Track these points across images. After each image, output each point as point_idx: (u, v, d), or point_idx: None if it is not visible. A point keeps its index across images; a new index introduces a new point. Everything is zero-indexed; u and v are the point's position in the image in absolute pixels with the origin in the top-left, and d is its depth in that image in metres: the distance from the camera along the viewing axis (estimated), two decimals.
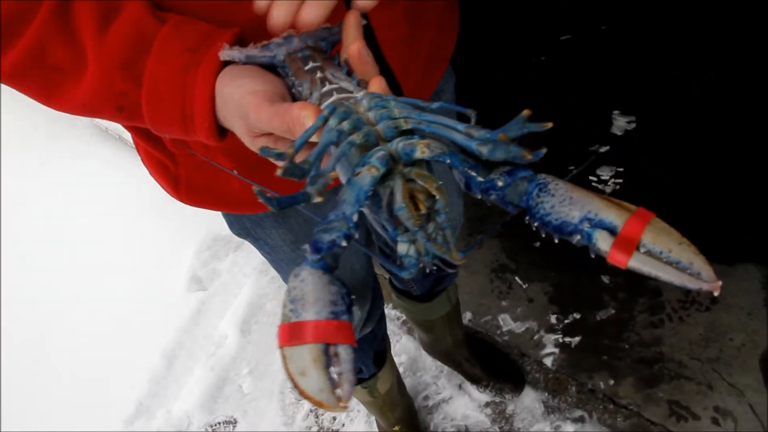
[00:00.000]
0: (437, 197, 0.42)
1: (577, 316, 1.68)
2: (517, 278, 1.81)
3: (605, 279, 1.72)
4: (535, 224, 0.42)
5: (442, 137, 0.45)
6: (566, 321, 1.68)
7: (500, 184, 0.43)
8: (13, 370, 2.05)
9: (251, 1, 0.59)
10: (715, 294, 0.36)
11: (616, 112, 2.09)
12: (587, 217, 0.40)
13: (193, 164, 0.76)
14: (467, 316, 1.77)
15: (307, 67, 0.53)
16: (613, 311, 1.66)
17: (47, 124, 2.83)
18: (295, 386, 0.35)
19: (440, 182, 0.43)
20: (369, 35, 0.68)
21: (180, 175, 0.79)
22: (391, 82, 0.75)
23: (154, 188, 2.54)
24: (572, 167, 2.00)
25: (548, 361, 1.63)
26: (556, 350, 1.64)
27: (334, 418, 1.73)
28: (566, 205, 0.41)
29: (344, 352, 0.37)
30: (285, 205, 0.42)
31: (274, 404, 1.81)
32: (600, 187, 1.91)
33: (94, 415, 1.91)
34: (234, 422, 1.82)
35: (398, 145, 0.44)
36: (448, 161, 0.44)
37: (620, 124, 2.06)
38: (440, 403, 1.66)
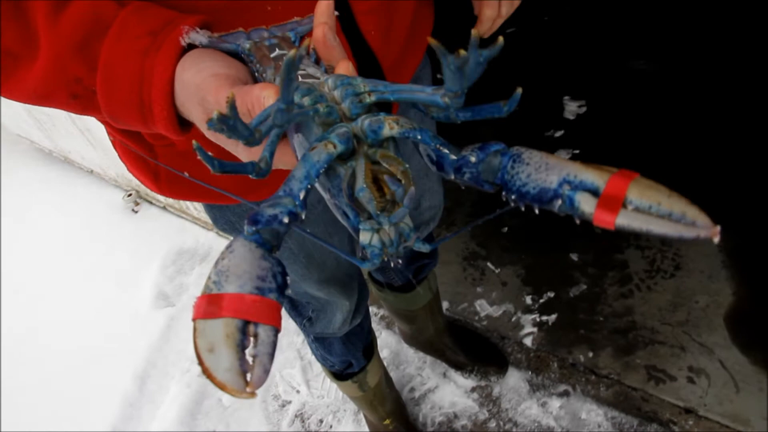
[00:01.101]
0: (402, 181, 0.39)
1: (551, 294, 1.72)
2: (489, 264, 1.84)
3: (574, 257, 1.77)
4: (513, 197, 0.39)
5: (409, 100, 0.43)
6: (541, 300, 1.72)
7: (473, 160, 0.40)
8: None
9: None
10: (715, 240, 0.33)
11: (566, 97, 2.16)
12: (566, 180, 0.37)
13: (174, 155, 0.72)
14: (444, 306, 1.78)
15: (273, 54, 0.51)
16: (584, 287, 1.71)
17: None
18: (200, 363, 0.32)
19: (407, 165, 0.40)
20: (347, 14, 0.69)
21: (160, 168, 0.76)
22: (370, 62, 0.75)
23: (105, 209, 2.49)
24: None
25: (528, 341, 1.66)
26: (535, 329, 1.68)
27: (321, 420, 1.71)
28: (543, 171, 0.38)
29: (265, 334, 0.33)
30: (228, 170, 0.40)
31: (258, 413, 1.78)
32: None
33: None
34: None
35: (364, 122, 0.41)
36: (419, 137, 0.41)
37: (572, 108, 2.14)
38: (427, 393, 1.67)
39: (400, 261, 0.44)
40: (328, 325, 1.20)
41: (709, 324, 1.58)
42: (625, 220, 0.35)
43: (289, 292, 0.36)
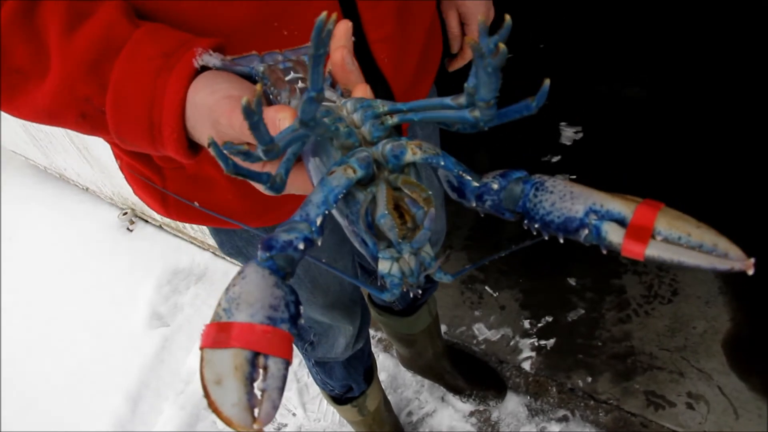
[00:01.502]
0: (425, 209, 0.39)
1: (549, 318, 1.72)
2: (487, 288, 1.84)
3: (572, 281, 1.78)
4: (536, 226, 0.39)
5: (434, 119, 0.42)
6: (539, 325, 1.72)
7: (495, 187, 0.40)
8: None
9: (236, 2, 0.58)
10: (750, 273, 0.32)
11: (563, 123, 2.19)
12: (592, 209, 0.36)
13: (183, 178, 0.72)
14: (442, 329, 1.78)
15: (287, 78, 0.50)
16: (582, 311, 1.71)
17: None
18: (206, 396, 0.31)
19: (430, 192, 0.39)
20: (361, 42, 0.69)
21: (168, 191, 0.76)
22: (383, 90, 0.76)
23: (100, 228, 2.47)
24: None
25: (527, 365, 1.66)
26: (533, 354, 1.68)
27: None
28: (567, 200, 0.37)
29: (275, 366, 0.32)
30: (242, 173, 0.39)
31: None
32: None
33: None
34: None
35: (385, 147, 0.40)
36: (442, 163, 0.41)
37: (568, 134, 2.16)
38: (425, 418, 1.66)
39: (420, 291, 0.43)
40: (330, 350, 1.19)
41: (707, 350, 1.58)
42: (654, 251, 0.34)
43: (302, 321, 0.35)
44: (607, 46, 2.40)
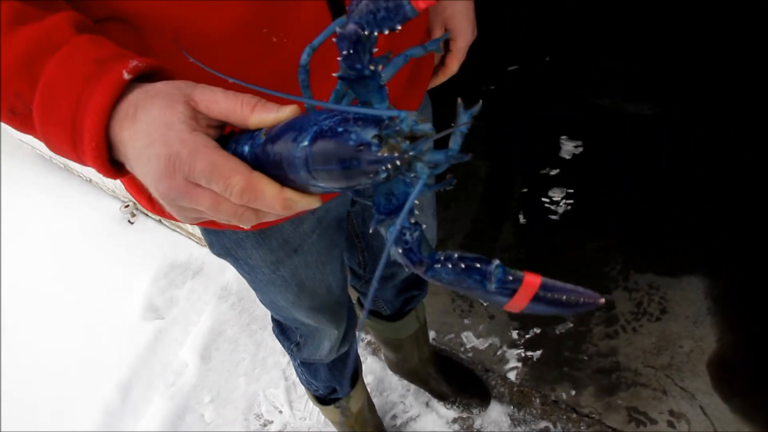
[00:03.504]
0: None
1: (537, 330, 1.74)
2: None
3: None
4: (450, 265, 0.43)
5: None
6: (527, 336, 1.74)
7: (417, 234, 0.45)
8: None
9: (224, 4, 0.59)
10: (601, 302, 0.42)
11: (563, 137, 2.20)
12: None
13: None
14: (431, 335, 1.80)
15: None
16: (571, 325, 1.73)
17: None
18: None
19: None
20: None
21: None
22: None
23: (102, 219, 2.49)
24: (525, 189, 2.09)
25: (512, 375, 1.67)
26: (519, 364, 1.69)
27: None
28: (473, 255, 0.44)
29: None
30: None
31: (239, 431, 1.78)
32: (552, 207, 2.01)
33: None
34: None
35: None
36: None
37: (568, 148, 2.17)
38: (408, 422, 1.68)
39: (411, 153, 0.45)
40: (315, 352, 1.21)
41: (692, 369, 1.59)
42: (548, 280, 0.43)
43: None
44: (613, 61, 2.41)
